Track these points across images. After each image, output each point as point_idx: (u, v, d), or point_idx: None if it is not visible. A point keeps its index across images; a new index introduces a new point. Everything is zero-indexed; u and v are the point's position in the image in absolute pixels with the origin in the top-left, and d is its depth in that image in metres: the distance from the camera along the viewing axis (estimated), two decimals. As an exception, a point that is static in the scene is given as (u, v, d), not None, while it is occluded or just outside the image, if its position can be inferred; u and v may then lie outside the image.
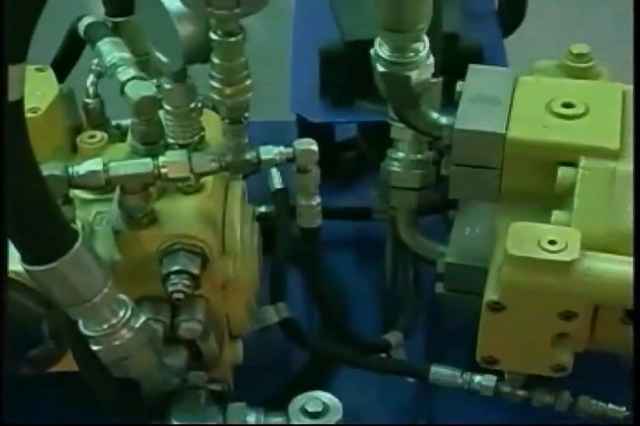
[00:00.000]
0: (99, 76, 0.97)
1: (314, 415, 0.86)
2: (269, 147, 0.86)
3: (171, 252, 0.86)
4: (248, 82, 0.80)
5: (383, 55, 0.91)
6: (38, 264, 0.72)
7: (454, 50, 1.13)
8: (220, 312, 0.93)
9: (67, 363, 0.89)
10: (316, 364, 1.10)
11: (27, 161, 0.66)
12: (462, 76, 0.96)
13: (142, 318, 0.80)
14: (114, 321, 0.78)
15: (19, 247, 0.71)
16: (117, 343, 0.79)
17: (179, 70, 0.83)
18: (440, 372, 0.97)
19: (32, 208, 0.69)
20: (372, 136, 1.24)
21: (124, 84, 0.86)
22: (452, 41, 1.14)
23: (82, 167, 0.83)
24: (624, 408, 0.92)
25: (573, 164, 0.88)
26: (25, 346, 0.91)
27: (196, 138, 0.88)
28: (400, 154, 1.05)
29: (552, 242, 0.82)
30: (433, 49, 0.92)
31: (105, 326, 0.78)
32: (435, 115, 0.94)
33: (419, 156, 1.05)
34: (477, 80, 0.95)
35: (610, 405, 0.93)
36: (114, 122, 1.02)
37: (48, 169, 0.80)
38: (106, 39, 0.92)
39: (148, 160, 0.84)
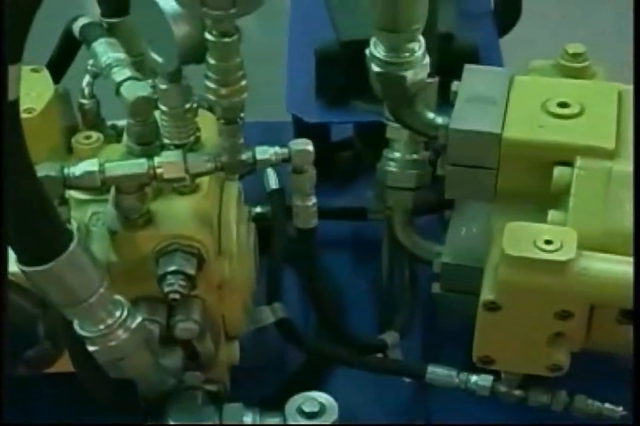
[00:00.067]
0: (95, 76, 0.97)
1: (310, 415, 0.86)
2: (265, 147, 0.86)
3: (167, 252, 0.86)
4: (243, 82, 0.80)
5: (378, 56, 0.91)
6: (34, 265, 0.72)
7: (450, 50, 1.13)
8: (216, 312, 0.93)
9: (64, 364, 0.89)
10: (312, 364, 1.10)
11: (23, 161, 0.66)
12: (457, 76, 0.96)
13: (138, 319, 0.80)
14: (109, 321, 0.78)
15: (14, 248, 0.71)
16: (113, 343, 0.79)
17: (174, 70, 0.83)
18: (437, 372, 0.97)
19: (27, 209, 0.69)
20: (368, 136, 1.24)
21: (119, 84, 0.86)
22: (448, 41, 1.14)
23: (78, 168, 0.83)
24: (620, 408, 0.93)
25: (569, 163, 0.88)
26: (21, 347, 0.91)
27: (192, 139, 0.88)
28: (396, 154, 1.05)
29: (548, 242, 0.82)
30: (428, 49, 0.92)
31: (101, 327, 0.78)
32: (430, 115, 0.94)
33: (415, 156, 1.05)
34: (473, 80, 0.95)
35: (607, 405, 0.93)
36: (109, 123, 1.02)
37: (43, 170, 0.80)
38: (101, 40, 0.92)
39: (143, 161, 0.84)
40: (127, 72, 0.87)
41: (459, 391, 0.96)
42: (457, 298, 0.98)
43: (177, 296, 0.84)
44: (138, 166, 0.83)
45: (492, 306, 0.85)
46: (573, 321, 0.85)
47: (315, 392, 0.88)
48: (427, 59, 0.92)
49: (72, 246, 0.72)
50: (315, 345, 1.04)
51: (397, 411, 1.08)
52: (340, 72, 1.18)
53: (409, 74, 0.91)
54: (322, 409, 0.86)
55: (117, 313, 0.78)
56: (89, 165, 0.83)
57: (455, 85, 0.95)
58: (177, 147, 0.87)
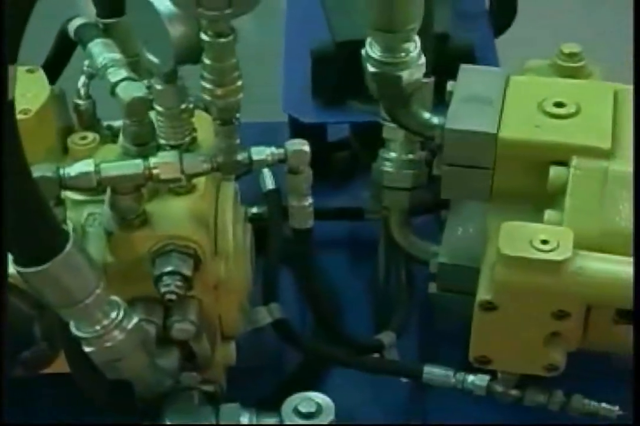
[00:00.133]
0: (90, 77, 0.97)
1: (307, 416, 0.86)
2: (261, 148, 0.86)
3: (163, 253, 0.86)
4: (239, 83, 0.79)
5: (374, 56, 0.91)
6: (30, 266, 0.71)
7: (445, 50, 1.13)
8: (212, 313, 0.93)
9: (61, 364, 0.89)
10: (309, 364, 1.10)
11: (19, 162, 0.66)
12: (453, 75, 0.96)
13: (135, 319, 0.80)
14: (106, 322, 0.78)
15: (10, 249, 0.71)
16: (109, 344, 0.79)
17: (170, 71, 0.83)
18: (434, 372, 0.97)
19: (23, 210, 0.69)
20: (364, 136, 1.24)
21: (115, 85, 0.86)
22: (443, 41, 1.14)
23: (74, 169, 0.83)
24: (617, 408, 0.93)
25: (565, 163, 0.88)
26: (18, 348, 0.91)
27: (188, 139, 0.88)
28: (393, 154, 1.06)
29: (544, 241, 0.82)
30: (424, 49, 0.92)
31: (97, 328, 0.78)
32: (426, 115, 0.94)
33: (411, 156, 1.05)
34: (469, 80, 0.95)
35: (603, 404, 0.93)
36: (105, 123, 1.02)
37: (39, 171, 0.80)
38: (97, 40, 0.92)
39: (139, 161, 0.84)
40: (123, 73, 0.87)
41: (455, 391, 0.96)
42: (453, 298, 0.98)
43: (173, 296, 0.84)
44: (134, 166, 0.83)
45: (489, 306, 0.85)
46: (569, 321, 0.85)
47: (312, 392, 0.88)
48: (422, 59, 0.92)
49: (68, 246, 0.72)
50: (312, 345, 1.04)
51: (394, 411, 1.08)
52: (336, 72, 1.18)
53: (405, 74, 0.91)
54: (319, 409, 0.86)
55: (114, 314, 0.78)
56: (85, 166, 0.83)
57: (450, 85, 0.95)
58: (173, 147, 0.87)
